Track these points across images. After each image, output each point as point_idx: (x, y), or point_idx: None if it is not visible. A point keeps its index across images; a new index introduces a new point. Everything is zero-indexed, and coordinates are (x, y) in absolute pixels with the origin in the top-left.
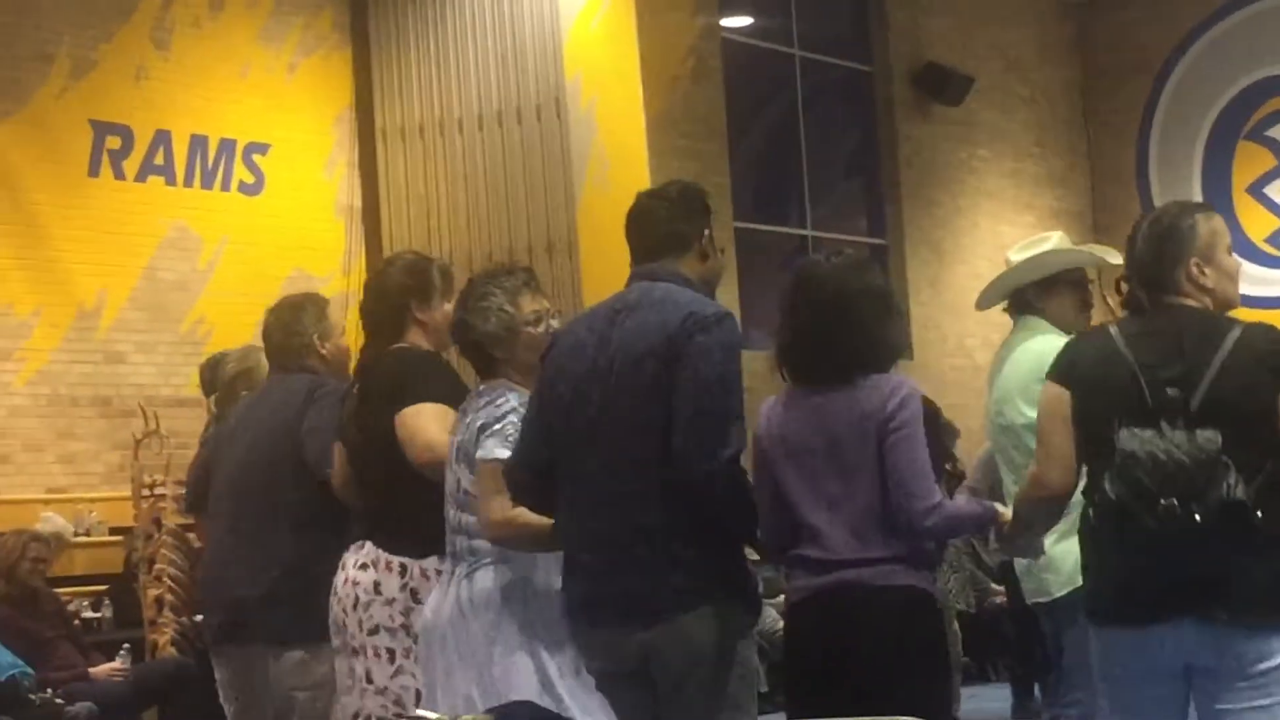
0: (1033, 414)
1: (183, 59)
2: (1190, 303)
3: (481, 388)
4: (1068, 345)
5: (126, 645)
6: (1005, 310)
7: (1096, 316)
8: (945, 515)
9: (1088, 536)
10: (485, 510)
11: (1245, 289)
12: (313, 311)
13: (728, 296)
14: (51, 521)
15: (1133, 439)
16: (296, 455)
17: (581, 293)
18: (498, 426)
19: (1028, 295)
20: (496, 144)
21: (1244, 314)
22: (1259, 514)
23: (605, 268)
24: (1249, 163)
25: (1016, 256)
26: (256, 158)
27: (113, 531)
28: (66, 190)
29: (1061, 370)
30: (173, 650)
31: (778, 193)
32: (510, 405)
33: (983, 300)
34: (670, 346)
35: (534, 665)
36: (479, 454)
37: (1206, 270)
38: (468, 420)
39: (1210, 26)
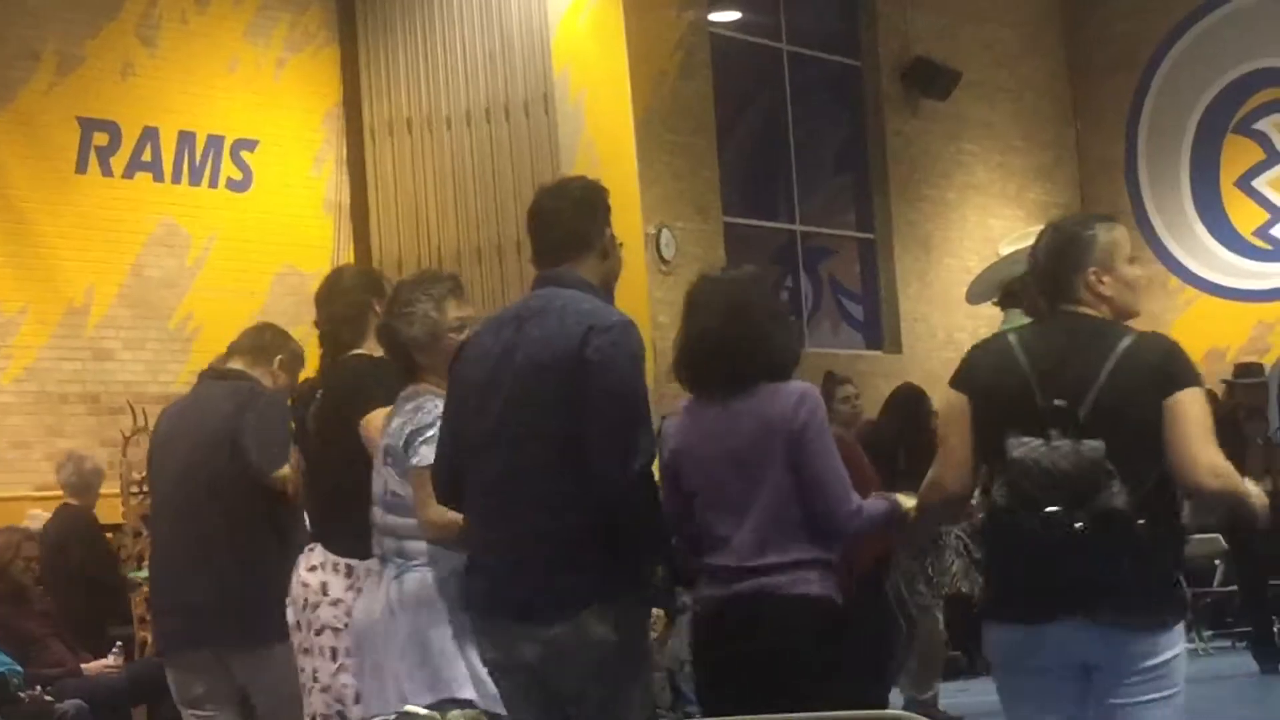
0: None
1: (170, 55)
2: (1089, 311)
3: (406, 392)
4: (970, 352)
5: (119, 643)
6: (996, 304)
7: None
8: (864, 518)
9: (983, 538)
10: (424, 514)
11: (1233, 282)
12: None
13: None
14: (39, 519)
15: (1020, 447)
16: (235, 460)
17: None
18: (431, 433)
19: (1014, 289)
20: (485, 140)
21: (1235, 307)
22: (1140, 521)
23: None
24: (1237, 156)
25: (1006, 250)
26: (244, 154)
27: (101, 528)
28: (54, 187)
29: (961, 377)
30: None
31: (766, 188)
32: (439, 411)
33: (972, 294)
34: (572, 357)
35: (464, 663)
36: (414, 460)
37: (1105, 279)
38: (395, 424)
39: (1198, 19)
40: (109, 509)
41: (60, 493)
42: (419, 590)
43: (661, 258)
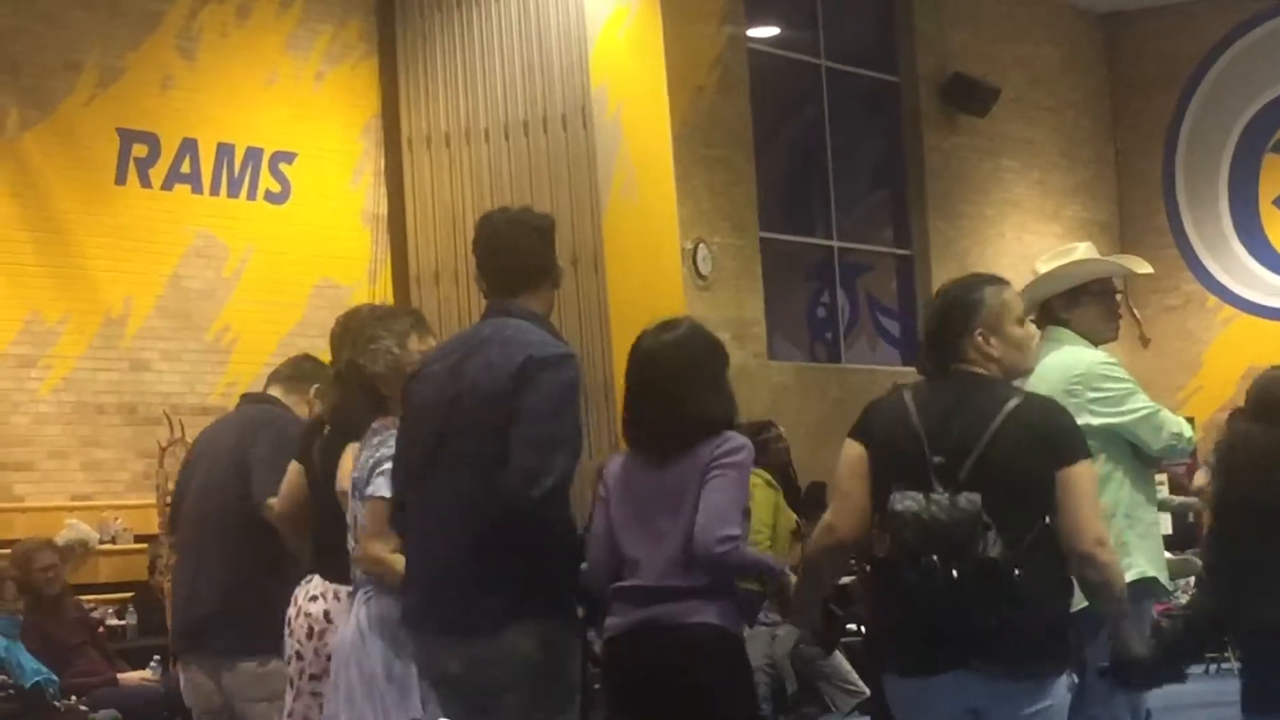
0: None
1: (209, 68)
2: (979, 370)
3: (375, 425)
4: (869, 406)
5: (157, 657)
6: (1033, 321)
7: (1124, 327)
8: (737, 553)
9: (869, 589)
10: (367, 545)
11: (1272, 301)
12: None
13: (753, 305)
14: (76, 529)
15: (903, 499)
16: (244, 480)
17: (607, 304)
18: (387, 465)
19: (1055, 306)
20: (522, 153)
21: (1273, 326)
22: (1017, 572)
23: (630, 278)
24: (1276, 175)
25: (1044, 267)
26: (283, 166)
27: (137, 539)
28: (93, 198)
29: (861, 428)
30: None
31: (804, 203)
32: None
33: None
34: (512, 386)
35: (424, 686)
36: (368, 490)
37: (993, 340)
38: (363, 457)
39: (1237, 39)
40: (145, 519)
41: (98, 503)
42: (388, 614)
43: (698, 273)
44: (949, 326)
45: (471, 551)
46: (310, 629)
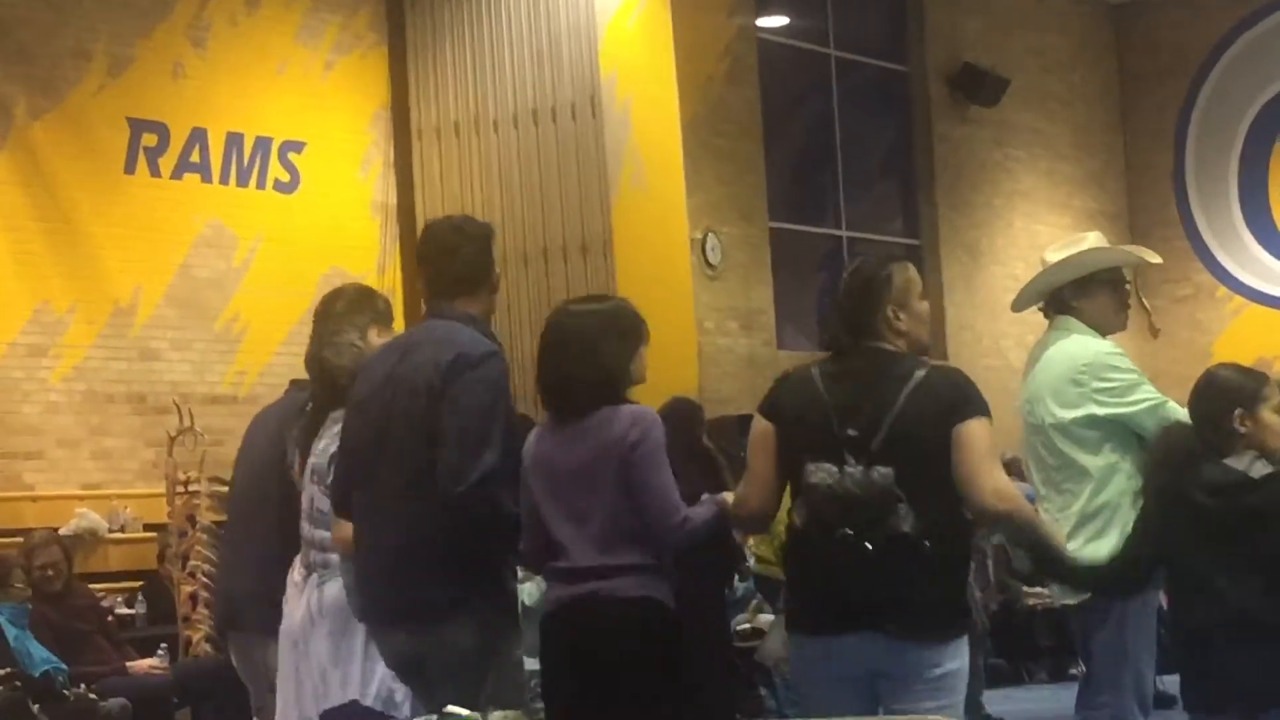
0: (1063, 414)
1: (220, 57)
2: (887, 346)
3: (335, 415)
4: (777, 382)
5: (164, 645)
6: (1040, 310)
7: (1133, 318)
8: (691, 526)
9: (786, 556)
10: (337, 530)
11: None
12: None
13: (762, 295)
14: (86, 518)
15: (817, 472)
16: (281, 462)
17: (617, 291)
18: None
19: (1065, 295)
20: (532, 143)
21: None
22: (927, 544)
23: (639, 267)
24: None
25: (1053, 256)
26: (292, 156)
27: (147, 528)
28: (103, 187)
29: (768, 405)
30: (207, 647)
31: (813, 193)
32: None
33: (1019, 301)
34: (440, 383)
35: (374, 670)
36: (331, 479)
37: (901, 315)
38: (320, 445)
39: (1247, 29)
40: (154, 508)
41: (107, 492)
42: (337, 597)
43: (707, 262)
44: (863, 303)
45: (411, 544)
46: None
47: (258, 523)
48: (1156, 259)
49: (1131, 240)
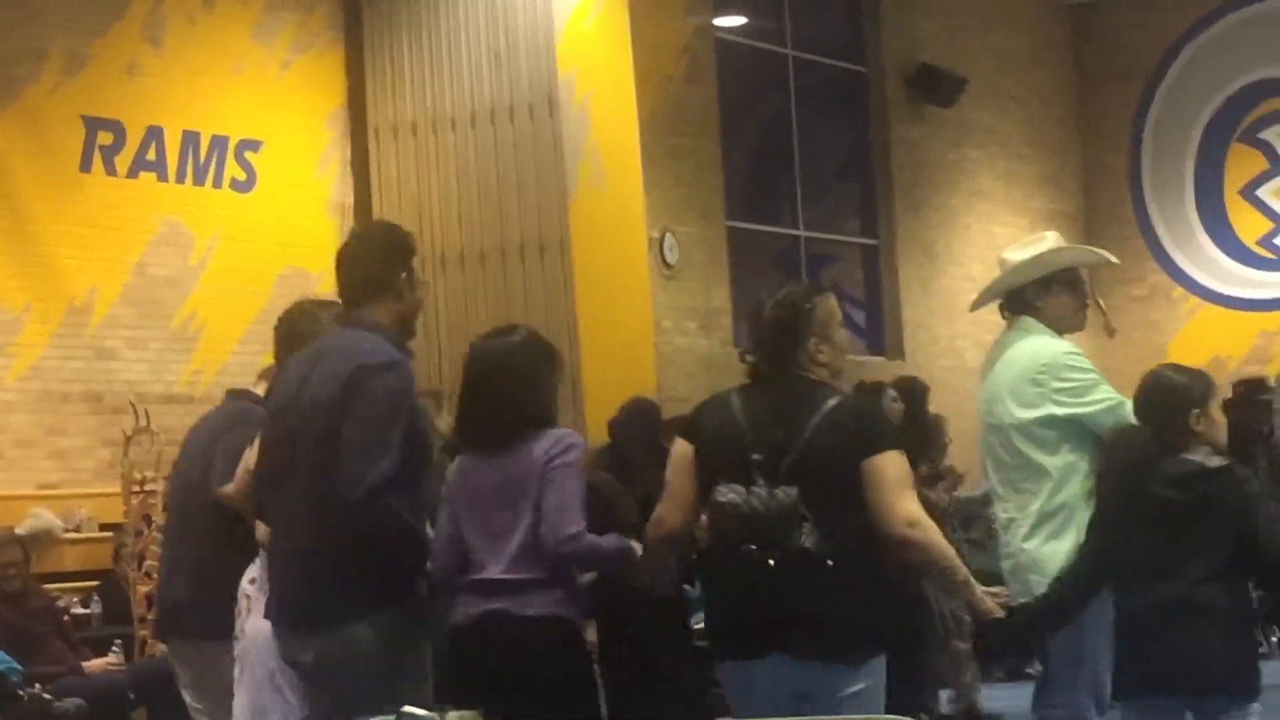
0: (1021, 414)
1: (176, 55)
2: (807, 375)
3: None
4: (697, 407)
5: (118, 641)
6: (999, 309)
7: (1089, 317)
8: (583, 545)
9: (700, 578)
10: (256, 531)
11: (1237, 291)
12: None
13: (720, 295)
14: (42, 518)
15: (725, 492)
16: (206, 471)
17: (574, 291)
18: None
19: (1026, 295)
20: (489, 142)
21: (1238, 317)
22: (829, 562)
23: (597, 267)
24: (1241, 165)
25: (1014, 256)
26: (249, 154)
27: (103, 528)
28: (58, 186)
29: (688, 427)
30: (163, 647)
31: (770, 192)
32: None
33: (980, 300)
34: (342, 393)
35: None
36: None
37: (823, 348)
38: None
39: (1203, 29)
40: (110, 508)
41: (64, 492)
42: None
43: (665, 262)
44: (787, 335)
45: (316, 550)
46: (245, 610)
47: (190, 531)
48: (1115, 260)
49: (1088, 240)
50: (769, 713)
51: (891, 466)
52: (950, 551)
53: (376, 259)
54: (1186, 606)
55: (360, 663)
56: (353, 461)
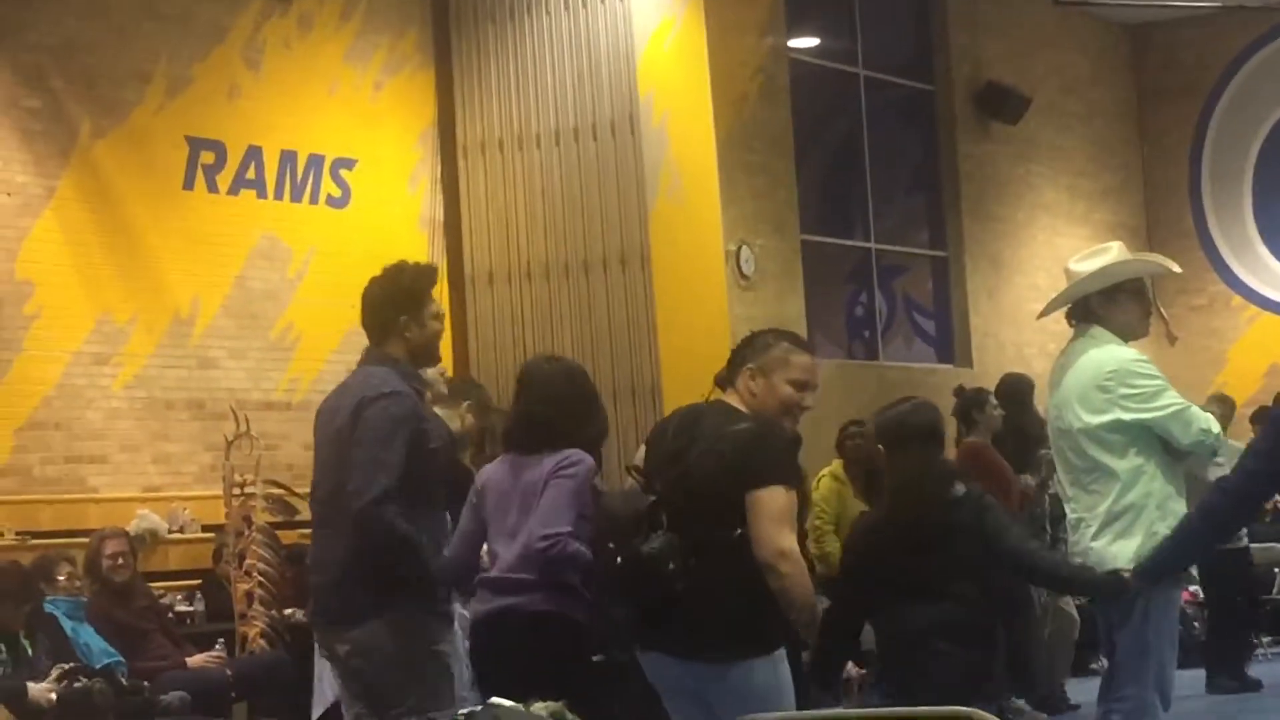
0: (1089, 419)
1: (273, 78)
2: (732, 403)
3: None
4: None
5: (221, 640)
6: (1065, 317)
7: (1151, 325)
8: (570, 550)
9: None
10: None
11: None
12: None
13: (794, 305)
14: (147, 519)
15: (608, 498)
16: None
17: (654, 302)
18: None
19: (1091, 304)
20: (572, 159)
21: None
22: (671, 566)
23: (676, 278)
24: None
25: (1078, 266)
26: (343, 172)
27: (205, 529)
28: (162, 203)
29: (648, 438)
30: (263, 643)
31: (843, 207)
32: None
33: (1047, 309)
34: (351, 422)
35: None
36: None
37: (758, 379)
38: None
39: (1261, 47)
40: (213, 510)
41: (167, 495)
42: None
43: (741, 274)
44: (733, 358)
45: (343, 558)
46: None
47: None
48: (1177, 269)
49: (1150, 251)
50: (677, 700)
51: (770, 501)
52: (809, 591)
53: (379, 305)
54: (956, 625)
55: (380, 656)
56: (355, 478)
